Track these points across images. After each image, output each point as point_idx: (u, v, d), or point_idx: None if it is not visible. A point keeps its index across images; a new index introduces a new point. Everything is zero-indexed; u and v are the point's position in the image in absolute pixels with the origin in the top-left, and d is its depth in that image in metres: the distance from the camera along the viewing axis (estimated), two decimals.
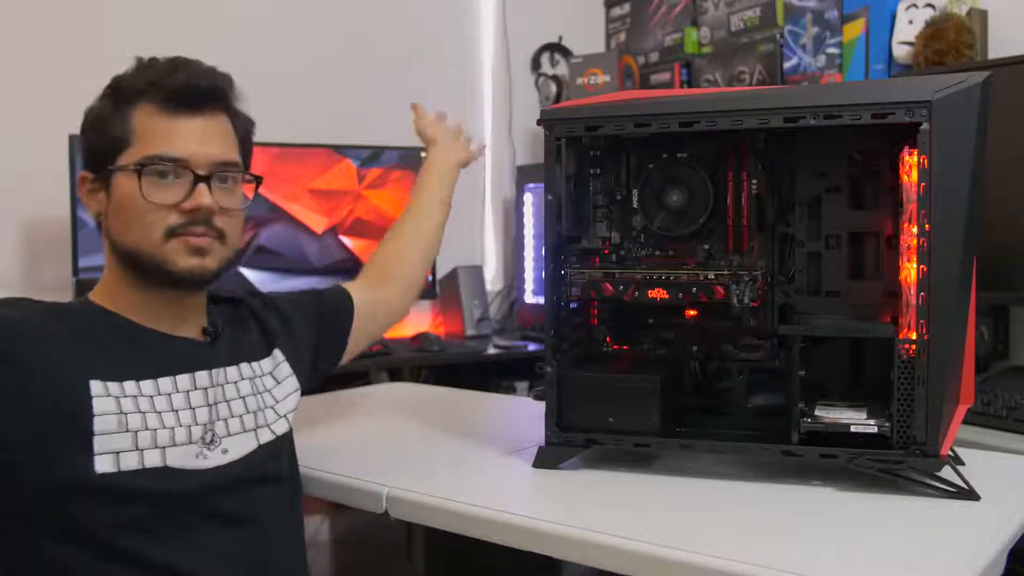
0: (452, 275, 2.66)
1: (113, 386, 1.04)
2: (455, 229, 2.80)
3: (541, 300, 1.76)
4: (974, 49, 2.03)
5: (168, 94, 1.08)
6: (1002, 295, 1.77)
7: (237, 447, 1.12)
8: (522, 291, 2.82)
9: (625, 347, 1.32)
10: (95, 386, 1.02)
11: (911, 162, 1.09)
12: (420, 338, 2.40)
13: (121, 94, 1.10)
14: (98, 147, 1.11)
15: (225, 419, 1.12)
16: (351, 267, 2.44)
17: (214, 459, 1.08)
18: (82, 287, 1.92)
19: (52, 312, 1.07)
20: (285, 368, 1.24)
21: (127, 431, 1.03)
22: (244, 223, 1.18)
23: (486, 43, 2.93)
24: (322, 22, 2.57)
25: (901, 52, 2.16)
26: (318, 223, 2.38)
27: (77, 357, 1.03)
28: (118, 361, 1.06)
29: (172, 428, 1.06)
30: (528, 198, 2.79)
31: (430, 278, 2.57)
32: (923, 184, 1.05)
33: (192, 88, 1.09)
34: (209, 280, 1.12)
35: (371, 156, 2.48)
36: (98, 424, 1.01)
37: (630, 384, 1.21)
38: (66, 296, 1.97)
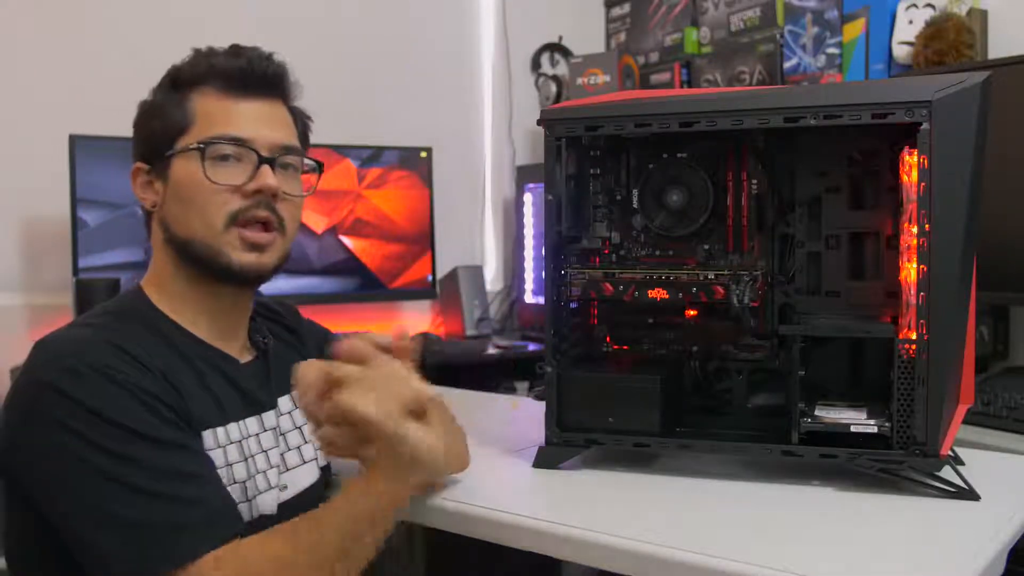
0: (452, 275, 2.66)
1: (221, 433, 1.00)
2: (455, 229, 2.85)
3: (541, 300, 1.76)
4: (974, 49, 2.03)
5: (229, 77, 1.05)
6: (1002, 295, 1.77)
7: (300, 480, 1.10)
8: (522, 291, 2.82)
9: (625, 347, 1.32)
10: (207, 438, 0.98)
11: (911, 162, 1.09)
12: (420, 338, 2.40)
13: (180, 81, 1.07)
14: (155, 136, 1.06)
15: (283, 454, 1.09)
16: (351, 267, 2.44)
17: (284, 496, 1.06)
18: (82, 287, 1.92)
19: (142, 353, 0.96)
20: None
21: (235, 483, 0.99)
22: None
23: (486, 43, 2.94)
24: (322, 22, 2.57)
25: (901, 52, 2.16)
26: (318, 223, 2.39)
27: (192, 406, 0.98)
28: (212, 395, 1.01)
29: (254, 476, 1.02)
30: (528, 198, 2.79)
31: (430, 278, 2.58)
32: (923, 184, 1.05)
33: (254, 71, 1.06)
34: (267, 277, 1.08)
35: (371, 156, 2.48)
36: None
37: (630, 384, 1.21)
38: (66, 296, 1.97)
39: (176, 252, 1.05)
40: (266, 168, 1.04)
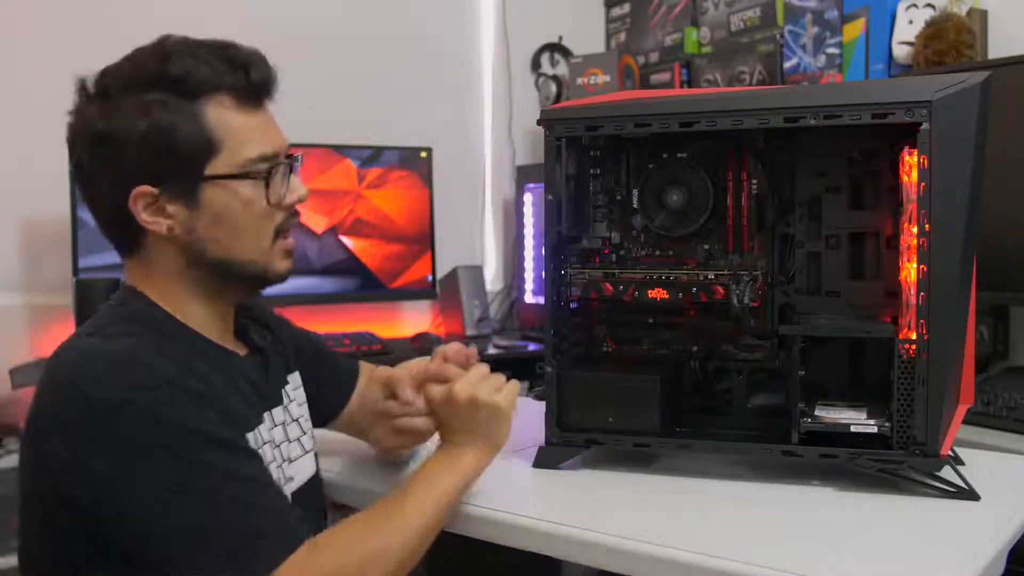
0: (452, 275, 2.66)
1: (260, 432, 1.00)
2: (455, 229, 2.84)
3: (541, 300, 1.76)
4: (974, 49, 2.03)
5: (243, 91, 0.99)
6: (1002, 295, 1.77)
7: (304, 470, 1.10)
8: (522, 291, 2.82)
9: (625, 347, 1.32)
10: (251, 439, 0.98)
11: (911, 162, 1.09)
12: (420, 338, 2.40)
13: (185, 94, 0.97)
14: (171, 158, 0.96)
15: (281, 444, 1.08)
16: (351, 267, 2.44)
17: (291, 487, 1.06)
18: (82, 287, 1.92)
19: (188, 368, 0.95)
20: (303, 393, 1.20)
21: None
22: None
23: (486, 43, 2.93)
24: (322, 22, 2.57)
25: (901, 52, 2.15)
26: (318, 223, 2.39)
27: (236, 411, 0.98)
28: (242, 398, 1.01)
29: (277, 467, 1.03)
30: (528, 198, 2.79)
31: (430, 278, 2.58)
32: (923, 184, 1.05)
33: (265, 83, 1.02)
34: None
35: (371, 156, 2.48)
36: None
37: (630, 384, 1.21)
38: (66, 296, 1.97)
39: (208, 273, 1.02)
40: (296, 178, 1.05)
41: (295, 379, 1.19)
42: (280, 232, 1.04)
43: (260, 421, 1.02)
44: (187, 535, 0.87)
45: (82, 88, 1.01)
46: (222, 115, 0.98)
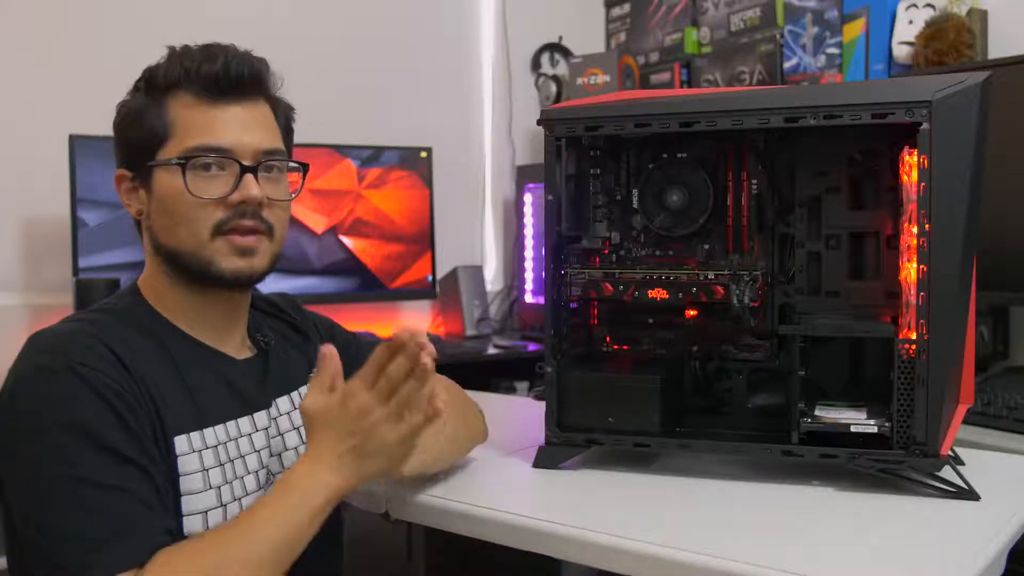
0: (452, 275, 2.66)
1: (196, 439, 0.99)
2: (455, 229, 2.85)
3: (541, 300, 1.76)
4: (974, 49, 2.03)
5: (205, 82, 1.02)
6: (1002, 295, 1.77)
7: None
8: (522, 291, 2.82)
9: (625, 347, 1.32)
10: (180, 443, 0.97)
11: (911, 162, 1.09)
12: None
13: (155, 85, 1.04)
14: (135, 143, 1.04)
15: (279, 454, 1.09)
16: (351, 267, 2.44)
17: None
18: (82, 287, 1.92)
19: (124, 349, 0.96)
20: None
21: (210, 488, 0.99)
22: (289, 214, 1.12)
23: (486, 43, 2.93)
24: (322, 22, 2.57)
25: (901, 52, 2.16)
26: (318, 223, 2.39)
27: (166, 413, 0.97)
28: (194, 400, 1.00)
29: (242, 477, 1.02)
30: (528, 198, 2.79)
31: (430, 278, 2.58)
32: (923, 184, 1.05)
33: (229, 75, 1.03)
34: (257, 280, 1.07)
35: (371, 156, 2.48)
36: (184, 484, 0.96)
37: (630, 384, 1.21)
38: (66, 296, 1.97)
39: (165, 260, 1.05)
40: (249, 178, 1.02)
41: None
42: (222, 228, 1.02)
43: (211, 424, 1.01)
44: (45, 524, 0.88)
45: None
46: (180, 108, 1.03)
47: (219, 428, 1.02)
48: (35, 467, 0.90)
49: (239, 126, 1.04)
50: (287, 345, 1.19)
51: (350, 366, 1.00)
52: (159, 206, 1.03)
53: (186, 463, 0.97)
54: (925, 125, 1.05)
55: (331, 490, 0.94)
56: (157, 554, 0.88)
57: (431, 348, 0.94)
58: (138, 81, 1.06)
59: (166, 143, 1.02)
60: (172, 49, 1.06)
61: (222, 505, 1.00)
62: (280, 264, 1.10)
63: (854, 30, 2.27)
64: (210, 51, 1.04)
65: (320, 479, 0.94)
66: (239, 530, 0.92)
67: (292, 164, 1.10)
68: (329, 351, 0.97)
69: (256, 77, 1.06)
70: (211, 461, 0.99)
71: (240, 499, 1.02)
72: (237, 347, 1.11)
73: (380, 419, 0.93)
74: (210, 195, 1.01)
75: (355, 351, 1.22)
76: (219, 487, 1.00)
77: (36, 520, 0.89)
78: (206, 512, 0.98)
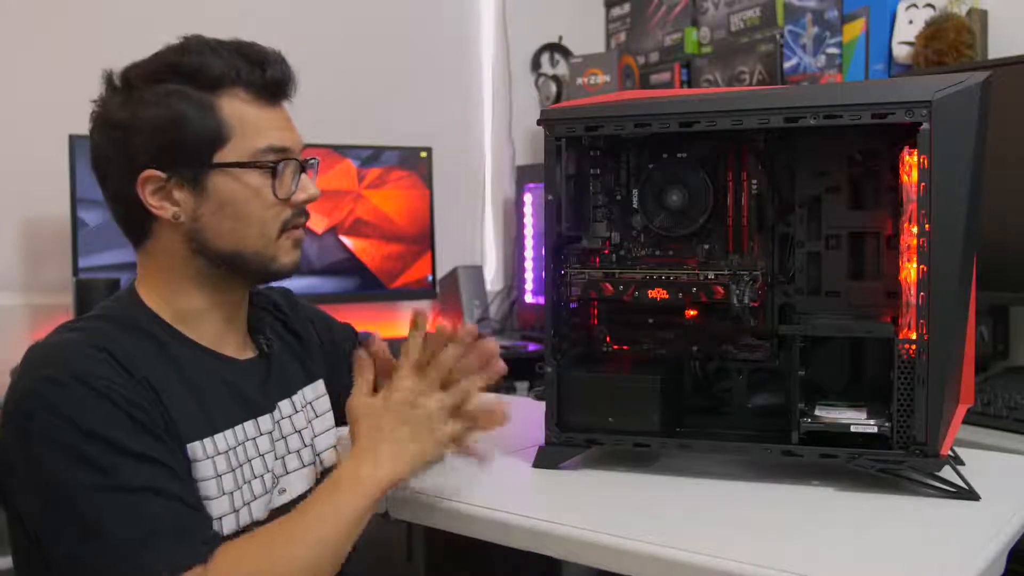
0: (452, 275, 2.66)
1: (208, 445, 0.98)
2: (455, 229, 2.85)
3: (541, 300, 1.76)
4: (974, 49, 2.03)
5: (260, 86, 1.02)
6: (1002, 295, 1.77)
7: (296, 485, 1.09)
8: (522, 291, 2.82)
9: (625, 347, 1.32)
10: (193, 450, 0.97)
11: (911, 162, 1.09)
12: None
13: (202, 84, 1.00)
14: (181, 144, 0.99)
15: (283, 457, 1.08)
16: (351, 267, 2.44)
17: (277, 501, 1.05)
18: (82, 287, 1.92)
19: (128, 358, 0.95)
20: (325, 402, 1.19)
21: (224, 494, 0.98)
22: None
23: (486, 43, 2.93)
24: (322, 22, 2.57)
25: (901, 52, 2.15)
26: (318, 223, 2.39)
27: (178, 418, 0.96)
28: (200, 404, 0.99)
29: (250, 482, 1.02)
30: (528, 198, 2.79)
31: (430, 278, 2.58)
32: (923, 184, 1.05)
33: (283, 79, 1.04)
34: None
35: (371, 156, 2.48)
36: (201, 491, 0.96)
37: (630, 384, 1.21)
38: (66, 296, 1.97)
39: (212, 261, 1.03)
40: (307, 176, 1.06)
41: (317, 388, 1.19)
42: (286, 227, 1.05)
43: (221, 430, 1.01)
44: (67, 533, 0.88)
45: (108, 80, 1.04)
46: (235, 107, 1.01)
47: (228, 433, 1.01)
48: (65, 484, 0.88)
49: (288, 126, 1.06)
50: (287, 349, 1.18)
51: (345, 356, 1.14)
52: (219, 208, 1.01)
53: (200, 469, 0.97)
54: (925, 125, 1.05)
55: (383, 483, 1.00)
56: (219, 551, 0.90)
57: (493, 344, 1.12)
58: (164, 75, 1.00)
59: (226, 144, 1.00)
60: (197, 42, 1.03)
61: (235, 511, 0.99)
62: None
63: (854, 30, 2.27)
64: (258, 55, 1.03)
65: (371, 474, 1.00)
66: (292, 528, 0.95)
67: (312, 160, 1.12)
68: (363, 356, 1.08)
69: (293, 77, 1.07)
70: (223, 467, 0.99)
71: (249, 504, 1.01)
72: (238, 347, 1.10)
73: (432, 407, 1.03)
74: (285, 195, 1.03)
75: (349, 345, 1.29)
76: (231, 493, 0.99)
77: (79, 534, 0.87)
78: (220, 518, 0.97)
